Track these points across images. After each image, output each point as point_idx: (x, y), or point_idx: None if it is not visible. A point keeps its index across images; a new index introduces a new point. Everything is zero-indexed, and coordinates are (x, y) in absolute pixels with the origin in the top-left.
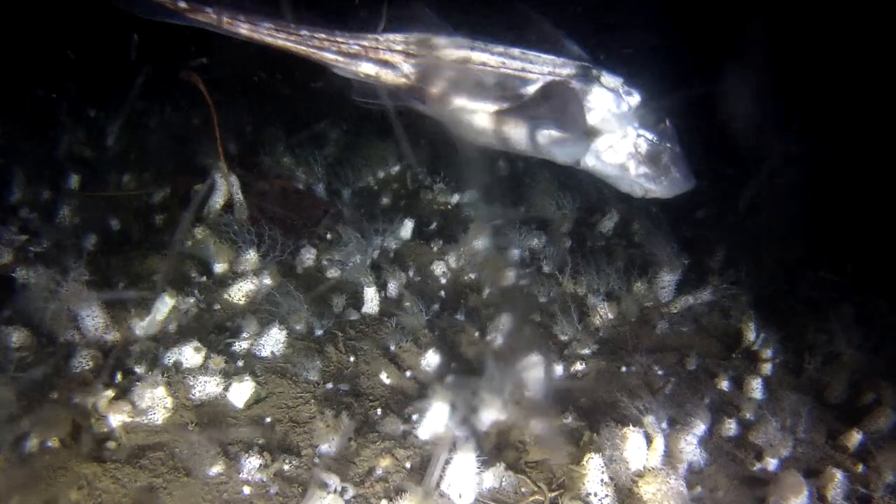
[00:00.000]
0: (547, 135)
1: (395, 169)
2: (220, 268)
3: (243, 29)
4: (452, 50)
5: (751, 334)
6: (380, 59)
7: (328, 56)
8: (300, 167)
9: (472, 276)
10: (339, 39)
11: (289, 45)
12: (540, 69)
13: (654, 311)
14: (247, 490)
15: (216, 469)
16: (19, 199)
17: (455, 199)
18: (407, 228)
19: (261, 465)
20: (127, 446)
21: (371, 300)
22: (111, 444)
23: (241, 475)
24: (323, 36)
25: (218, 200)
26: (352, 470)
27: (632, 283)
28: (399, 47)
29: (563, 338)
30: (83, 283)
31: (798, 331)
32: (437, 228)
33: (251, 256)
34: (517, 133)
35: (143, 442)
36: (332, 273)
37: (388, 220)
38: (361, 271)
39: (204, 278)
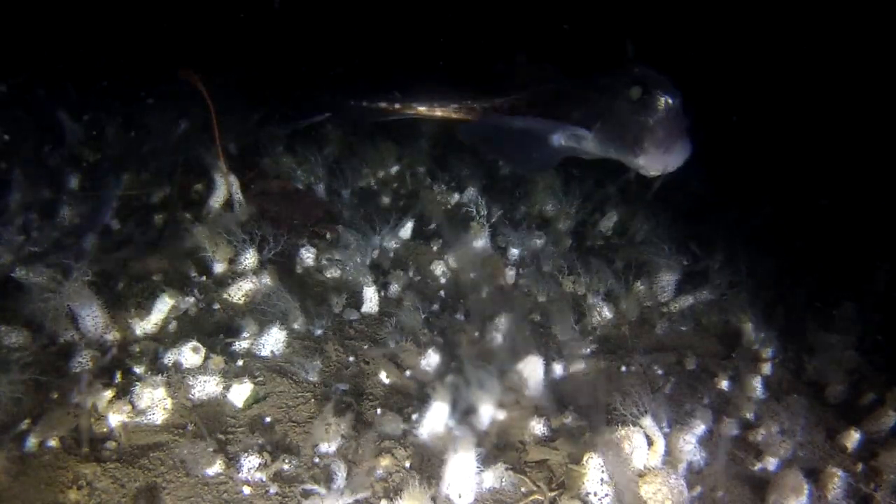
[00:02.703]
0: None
1: (395, 169)
2: (219, 267)
3: (438, 112)
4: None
5: (751, 334)
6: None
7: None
8: (300, 167)
9: (472, 275)
10: (496, 102)
11: (463, 115)
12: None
13: (653, 311)
14: (246, 490)
15: (216, 469)
16: (19, 199)
17: (455, 198)
18: (407, 228)
19: (260, 464)
20: (127, 446)
21: (371, 300)
22: (111, 444)
23: (240, 475)
24: (486, 105)
25: (218, 200)
26: (352, 470)
27: (631, 282)
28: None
29: (563, 337)
30: (84, 282)
31: (798, 331)
32: (436, 228)
33: (251, 256)
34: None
35: (142, 442)
36: (332, 273)
37: (387, 219)
38: (361, 271)
39: (204, 278)
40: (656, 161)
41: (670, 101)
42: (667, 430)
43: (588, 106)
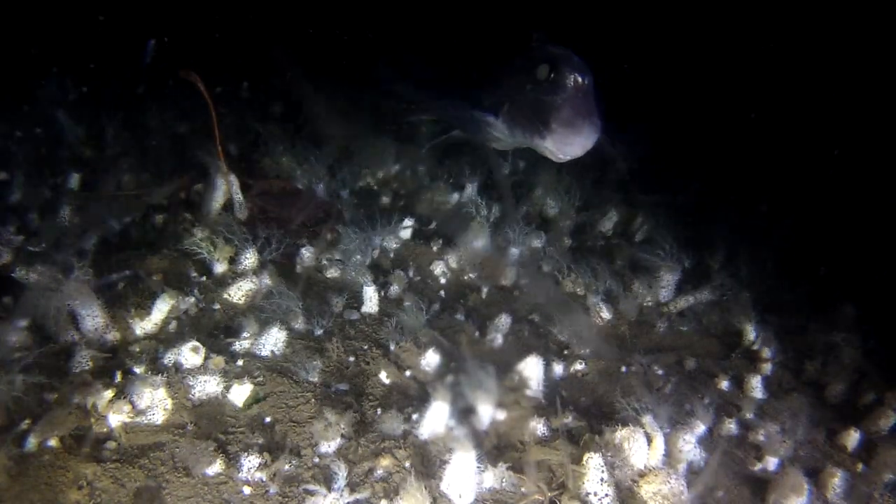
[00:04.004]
0: None
1: (395, 168)
2: (219, 267)
3: None
4: None
5: (751, 334)
6: None
7: None
8: (300, 167)
9: (472, 275)
10: None
11: None
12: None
13: (653, 311)
14: (246, 490)
15: (216, 469)
16: (19, 199)
17: (455, 198)
18: (407, 228)
19: (260, 464)
20: (127, 446)
21: (371, 300)
22: (111, 444)
23: (240, 475)
24: None
25: (218, 200)
26: (352, 470)
27: (631, 282)
28: None
29: (563, 337)
30: (86, 282)
31: (798, 331)
32: (436, 228)
33: (251, 256)
34: None
35: (142, 442)
36: (332, 273)
37: (387, 219)
38: (361, 271)
39: (204, 278)
40: (564, 143)
41: (580, 79)
42: (667, 429)
43: (498, 90)
